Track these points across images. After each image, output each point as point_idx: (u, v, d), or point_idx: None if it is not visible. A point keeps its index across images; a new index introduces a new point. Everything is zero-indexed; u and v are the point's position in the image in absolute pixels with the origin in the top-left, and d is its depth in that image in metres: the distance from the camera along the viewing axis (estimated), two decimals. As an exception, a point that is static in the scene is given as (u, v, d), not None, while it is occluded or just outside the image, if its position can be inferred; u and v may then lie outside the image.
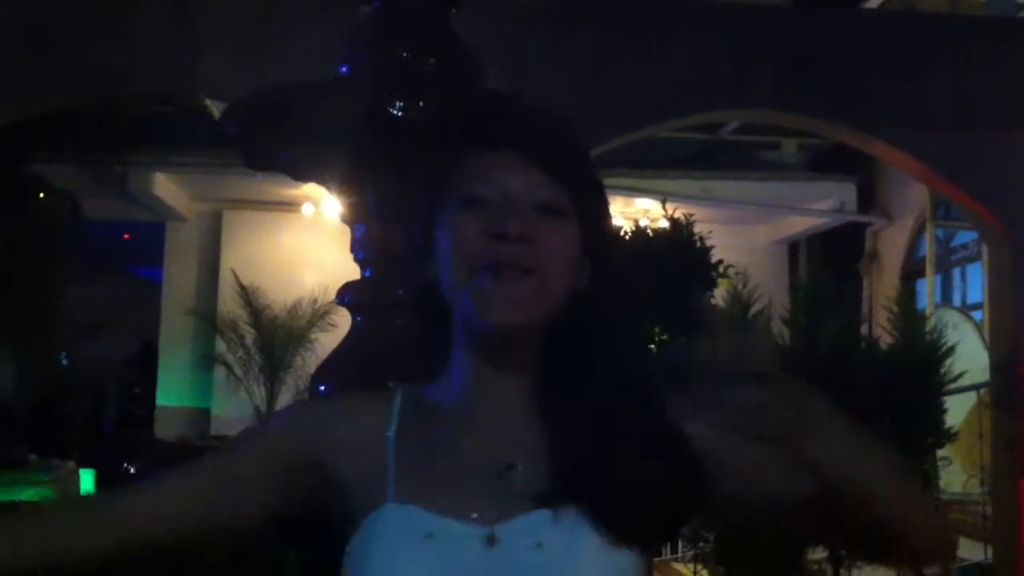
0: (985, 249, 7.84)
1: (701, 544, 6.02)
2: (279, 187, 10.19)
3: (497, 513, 1.14)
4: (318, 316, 10.72)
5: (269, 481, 1.22)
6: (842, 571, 5.95)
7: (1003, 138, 6.57)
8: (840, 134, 7.06)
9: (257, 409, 10.89)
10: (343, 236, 2.59)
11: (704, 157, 11.22)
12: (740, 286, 6.16)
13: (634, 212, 10.05)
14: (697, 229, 6.39)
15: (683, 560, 7.09)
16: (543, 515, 1.14)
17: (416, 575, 1.11)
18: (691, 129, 9.59)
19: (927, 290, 10.10)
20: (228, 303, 11.21)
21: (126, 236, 13.71)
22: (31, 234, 9.70)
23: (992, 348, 7.18)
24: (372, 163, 2.25)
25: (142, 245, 13.09)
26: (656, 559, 7.09)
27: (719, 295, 6.24)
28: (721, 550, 5.76)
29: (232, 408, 10.96)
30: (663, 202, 6.83)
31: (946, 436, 6.18)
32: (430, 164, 1.28)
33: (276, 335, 10.89)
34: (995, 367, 6.88)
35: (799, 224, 11.89)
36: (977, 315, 9.26)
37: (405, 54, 2.39)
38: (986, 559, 6.81)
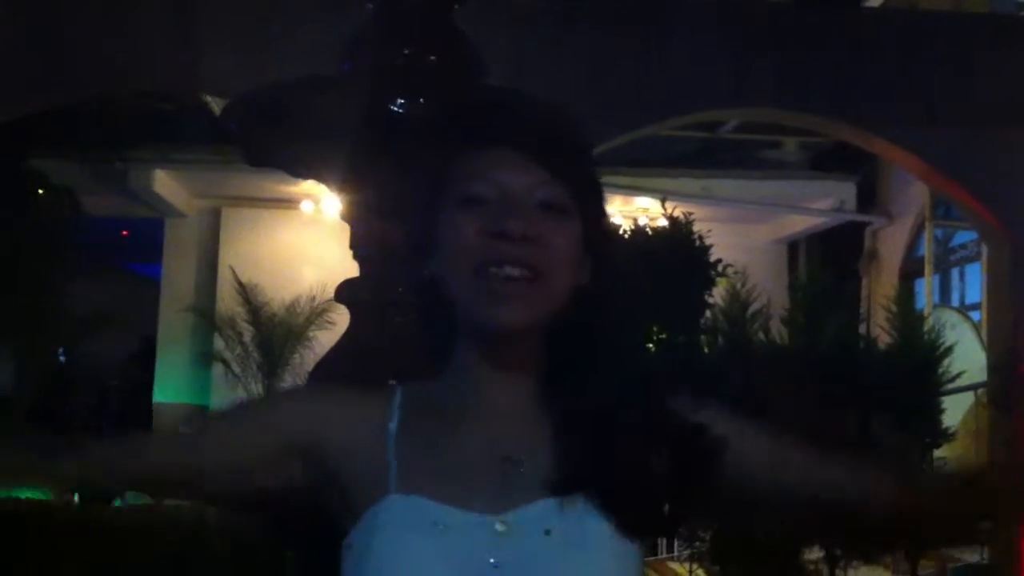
0: (984, 249, 7.84)
1: (697, 544, 6.03)
2: (279, 184, 10.17)
3: (503, 503, 1.14)
4: (317, 314, 10.70)
5: (257, 454, 1.23)
6: (838, 571, 5.95)
7: (1004, 137, 6.57)
8: (841, 132, 7.07)
9: (256, 406, 10.87)
10: (342, 233, 2.59)
11: (704, 156, 11.21)
12: (739, 285, 6.16)
13: (633, 211, 10.04)
14: (696, 228, 6.39)
15: (679, 559, 7.10)
16: (550, 503, 1.14)
17: (424, 564, 1.11)
18: (691, 127, 9.58)
19: (926, 290, 10.10)
20: (227, 300, 11.20)
21: (125, 233, 13.70)
22: (31, 231, 9.70)
23: (990, 348, 7.19)
24: (372, 160, 2.24)
25: (141, 242, 13.08)
26: (652, 558, 7.11)
27: (718, 294, 6.24)
28: (717, 549, 5.76)
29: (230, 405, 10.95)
30: (662, 201, 6.82)
31: (944, 436, 6.19)
32: (429, 162, 1.28)
33: (275, 332, 10.88)
34: (993, 367, 6.88)
35: (799, 223, 11.88)
36: (975, 315, 9.26)
37: (406, 51, 2.38)
38: (982, 559, 6.81)
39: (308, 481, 1.22)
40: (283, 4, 6.16)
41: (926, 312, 8.66)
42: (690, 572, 6.25)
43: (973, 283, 9.99)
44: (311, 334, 10.68)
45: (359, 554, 1.14)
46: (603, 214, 1.27)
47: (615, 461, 1.17)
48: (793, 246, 12.63)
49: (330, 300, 8.08)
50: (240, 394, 10.88)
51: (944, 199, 8.67)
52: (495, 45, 5.32)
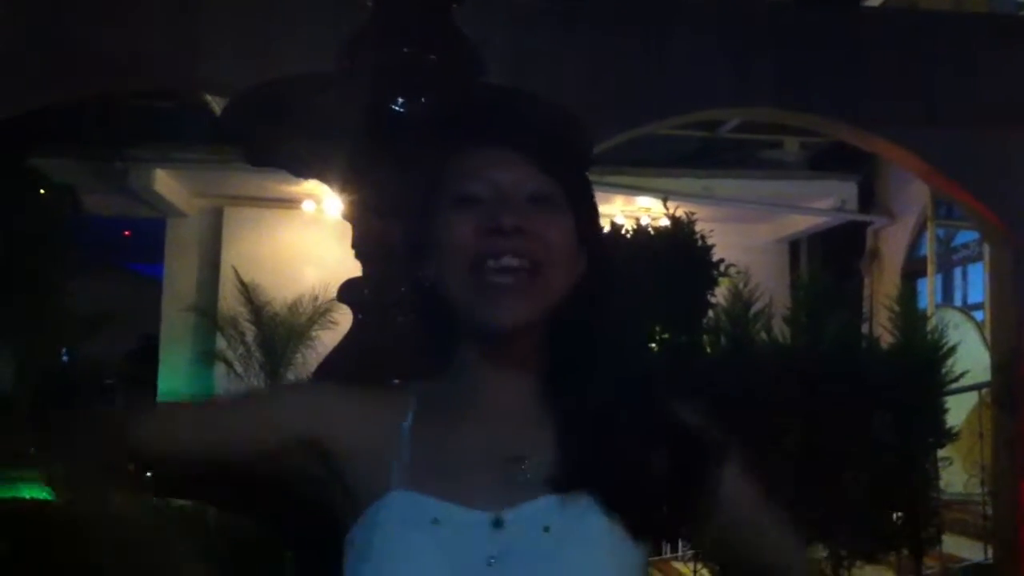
0: (987, 249, 7.84)
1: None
2: (280, 184, 10.18)
3: (505, 500, 1.14)
4: (319, 313, 10.71)
5: (259, 439, 1.23)
6: (842, 571, 5.94)
7: (1005, 137, 6.56)
8: (841, 132, 7.06)
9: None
10: (344, 233, 2.59)
11: (705, 155, 11.22)
12: (741, 285, 6.16)
13: (635, 210, 10.04)
14: (698, 227, 6.38)
15: (683, 559, 7.09)
16: (550, 501, 1.15)
17: (422, 560, 1.11)
18: (691, 127, 9.58)
19: (928, 289, 10.09)
20: (229, 300, 11.21)
21: (127, 233, 13.71)
22: (32, 230, 9.70)
23: (993, 348, 7.18)
24: (372, 159, 2.24)
25: (143, 241, 13.09)
26: (656, 557, 7.10)
27: (720, 294, 6.24)
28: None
29: (232, 405, 10.95)
30: (664, 200, 6.82)
31: (947, 436, 6.18)
32: (422, 164, 1.29)
33: (277, 332, 10.89)
34: (996, 367, 6.87)
35: (800, 223, 11.88)
36: (978, 315, 9.26)
37: (406, 49, 2.38)
38: (986, 559, 6.81)
39: (310, 475, 1.22)
40: (284, 3, 6.15)
41: (929, 312, 8.66)
42: (694, 572, 6.24)
43: (976, 283, 9.99)
44: (313, 334, 10.69)
45: (360, 550, 1.14)
46: (594, 208, 1.28)
47: (617, 459, 1.18)
48: (795, 246, 12.63)
49: (332, 300, 8.09)
50: (242, 394, 10.90)
51: (946, 199, 8.67)
52: (495, 44, 5.32)
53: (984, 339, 8.44)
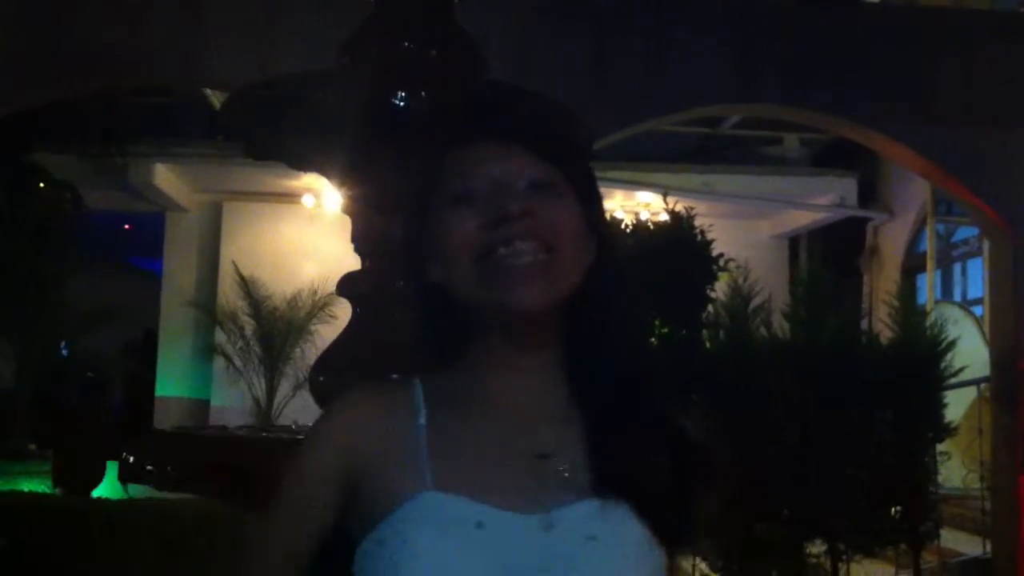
0: (986, 244, 7.84)
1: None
2: (279, 178, 10.18)
3: (542, 502, 1.11)
4: (318, 307, 10.73)
5: (323, 518, 1.18)
6: (840, 565, 5.95)
7: (1005, 133, 6.56)
8: (842, 129, 7.06)
9: (256, 400, 10.90)
10: (344, 228, 2.59)
11: (706, 151, 11.22)
12: (740, 280, 6.16)
13: (635, 205, 10.05)
14: (698, 223, 6.39)
15: (682, 553, 7.10)
16: (591, 505, 1.12)
17: (470, 566, 1.07)
18: (692, 123, 9.58)
19: (927, 285, 10.10)
20: (228, 294, 11.22)
21: (126, 227, 13.71)
22: (32, 225, 9.71)
23: (992, 343, 7.19)
24: (372, 154, 2.24)
25: (142, 236, 13.10)
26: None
27: (719, 289, 6.24)
28: (721, 543, 5.76)
29: (231, 399, 10.98)
30: (664, 196, 6.82)
31: (946, 431, 6.19)
32: (418, 164, 1.28)
33: (276, 326, 10.90)
34: (995, 362, 6.88)
35: (800, 219, 11.89)
36: (977, 310, 9.26)
37: (407, 45, 2.38)
38: (984, 554, 6.82)
39: (346, 500, 1.18)
40: (284, -1, 6.15)
41: (928, 307, 8.67)
42: (693, 567, 6.25)
43: (975, 278, 10.00)
44: (312, 328, 10.70)
45: (394, 553, 1.09)
46: (597, 193, 1.25)
47: (651, 463, 1.16)
48: (794, 241, 12.64)
49: (331, 294, 8.08)
50: (241, 388, 10.91)
51: (945, 195, 8.67)
52: (497, 40, 5.32)
53: (983, 334, 8.45)
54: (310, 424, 1.31)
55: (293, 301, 10.90)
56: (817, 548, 5.97)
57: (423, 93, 2.23)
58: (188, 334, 11.83)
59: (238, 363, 11.04)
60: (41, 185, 9.86)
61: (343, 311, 2.62)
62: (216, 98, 8.01)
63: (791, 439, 5.88)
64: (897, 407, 6.05)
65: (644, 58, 6.35)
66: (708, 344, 6.13)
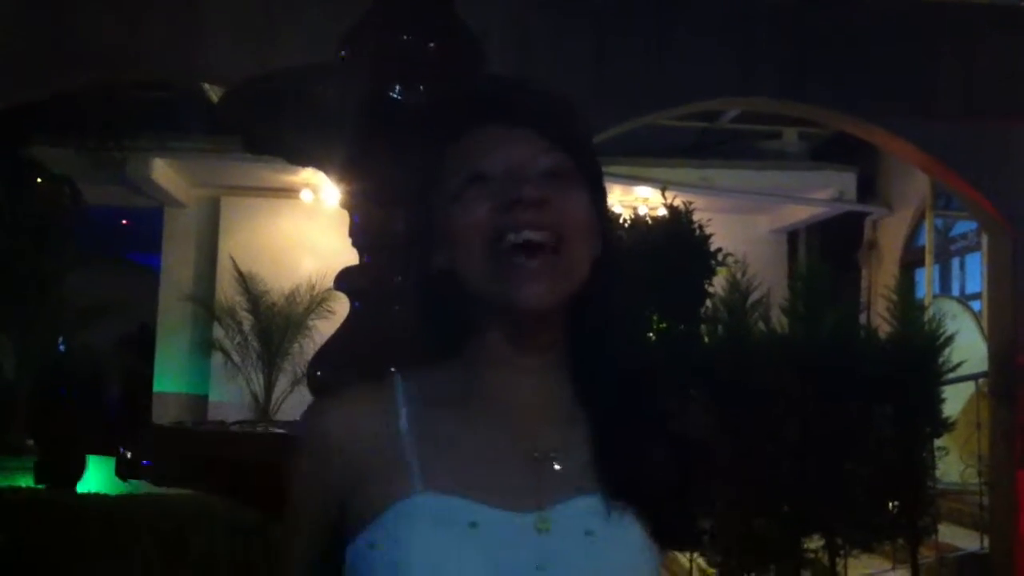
0: (985, 239, 7.84)
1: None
2: (278, 173, 10.17)
3: (537, 500, 1.10)
4: (316, 303, 10.73)
5: (322, 531, 1.18)
6: (838, 560, 5.96)
7: (1005, 128, 6.56)
8: (842, 123, 7.05)
9: (255, 396, 10.90)
10: (341, 222, 2.58)
11: (704, 146, 11.21)
12: (739, 275, 6.16)
13: (633, 200, 10.04)
14: (696, 218, 6.39)
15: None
16: (588, 502, 1.11)
17: (465, 566, 1.06)
18: (691, 117, 9.57)
19: (926, 279, 10.10)
20: (226, 290, 11.21)
21: (125, 222, 13.70)
22: (30, 220, 9.70)
23: (991, 338, 7.19)
24: (371, 148, 2.24)
25: (141, 231, 13.08)
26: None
27: (718, 284, 6.24)
28: (719, 538, 5.77)
29: (230, 394, 10.97)
30: (662, 190, 6.81)
31: (944, 426, 6.20)
32: (428, 149, 1.26)
33: (274, 322, 10.90)
34: (993, 357, 6.88)
35: (799, 213, 11.88)
36: (975, 305, 9.27)
37: (407, 38, 2.38)
38: (982, 549, 6.83)
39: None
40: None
41: (926, 302, 8.67)
42: (691, 561, 6.25)
43: (973, 273, 10.00)
44: (310, 323, 10.70)
45: (387, 555, 1.08)
46: (603, 184, 1.24)
47: (651, 463, 1.14)
48: (793, 236, 12.63)
49: (329, 289, 8.07)
50: (240, 383, 10.91)
51: (944, 189, 8.66)
52: (497, 33, 5.31)
53: (981, 329, 8.45)
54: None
55: (291, 296, 10.90)
56: (815, 543, 5.98)
57: (422, 87, 2.23)
58: (186, 329, 11.83)
59: (236, 358, 11.04)
60: (39, 180, 9.84)
61: (341, 306, 2.61)
62: (214, 92, 7.99)
63: (789, 434, 5.88)
64: (895, 402, 6.05)
65: (643, 51, 6.34)
66: (706, 339, 6.13)
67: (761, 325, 6.13)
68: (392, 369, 1.23)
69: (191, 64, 6.14)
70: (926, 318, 6.37)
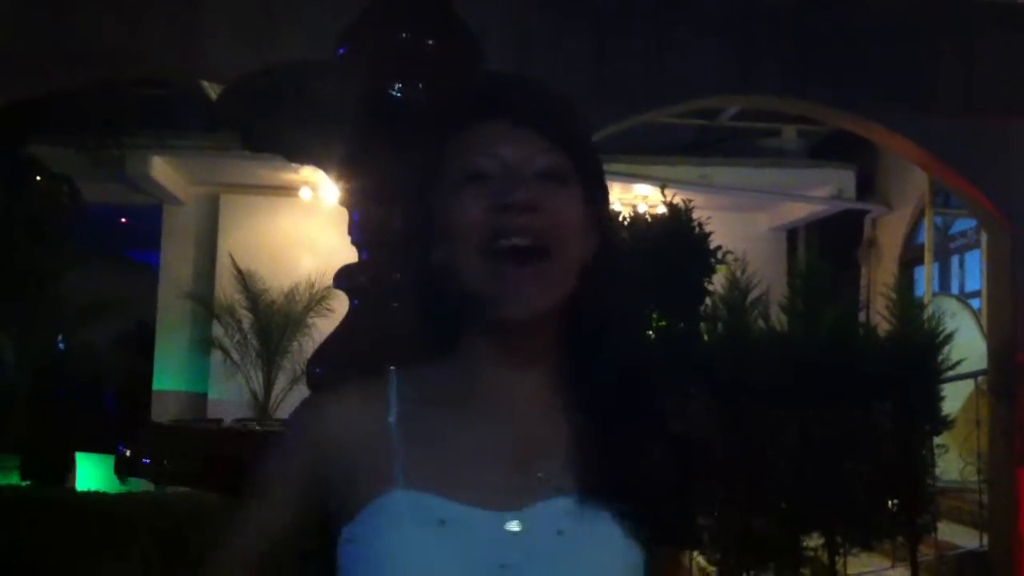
0: (984, 237, 7.84)
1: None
2: (277, 171, 10.16)
3: (514, 500, 1.10)
4: (315, 301, 10.71)
5: (294, 525, 1.18)
6: (837, 558, 5.96)
7: (1004, 125, 6.56)
8: (841, 120, 7.04)
9: (254, 394, 10.90)
10: (341, 220, 2.58)
11: (703, 143, 11.21)
12: (738, 273, 6.15)
13: (632, 198, 10.04)
14: (695, 215, 6.38)
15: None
16: (563, 503, 1.11)
17: (430, 562, 1.07)
18: (690, 115, 9.56)
19: (925, 277, 10.10)
20: (225, 287, 11.20)
21: (123, 220, 13.69)
22: (28, 218, 9.68)
23: (990, 336, 7.19)
24: (370, 146, 2.23)
25: (139, 229, 13.07)
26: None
27: (717, 281, 6.24)
28: (718, 537, 5.77)
29: (229, 392, 10.97)
30: (662, 188, 6.81)
31: (943, 423, 6.20)
32: (426, 145, 1.26)
33: (273, 320, 10.89)
34: (993, 355, 6.88)
35: (798, 211, 11.88)
36: (975, 303, 9.27)
37: (406, 35, 2.37)
38: (981, 547, 6.83)
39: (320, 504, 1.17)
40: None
41: (926, 299, 8.67)
42: (690, 559, 6.25)
43: (973, 271, 10.00)
44: (310, 321, 10.69)
45: (362, 550, 1.10)
46: (603, 182, 1.24)
47: (635, 466, 1.14)
48: (792, 234, 12.63)
49: (328, 287, 8.07)
50: (239, 381, 10.91)
51: (944, 187, 8.66)
52: (497, 32, 5.31)
53: (981, 327, 8.45)
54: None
55: (290, 294, 10.89)
56: (814, 541, 5.97)
57: (421, 85, 2.23)
58: (185, 327, 11.82)
59: (235, 356, 11.03)
60: (38, 178, 9.83)
61: (340, 304, 2.61)
62: (213, 90, 7.99)
63: (788, 432, 5.88)
64: (895, 400, 6.05)
65: (643, 49, 6.34)
66: (706, 337, 6.12)
67: (760, 323, 6.13)
68: (390, 366, 1.23)
69: (191, 63, 6.13)
70: (925, 316, 6.37)
